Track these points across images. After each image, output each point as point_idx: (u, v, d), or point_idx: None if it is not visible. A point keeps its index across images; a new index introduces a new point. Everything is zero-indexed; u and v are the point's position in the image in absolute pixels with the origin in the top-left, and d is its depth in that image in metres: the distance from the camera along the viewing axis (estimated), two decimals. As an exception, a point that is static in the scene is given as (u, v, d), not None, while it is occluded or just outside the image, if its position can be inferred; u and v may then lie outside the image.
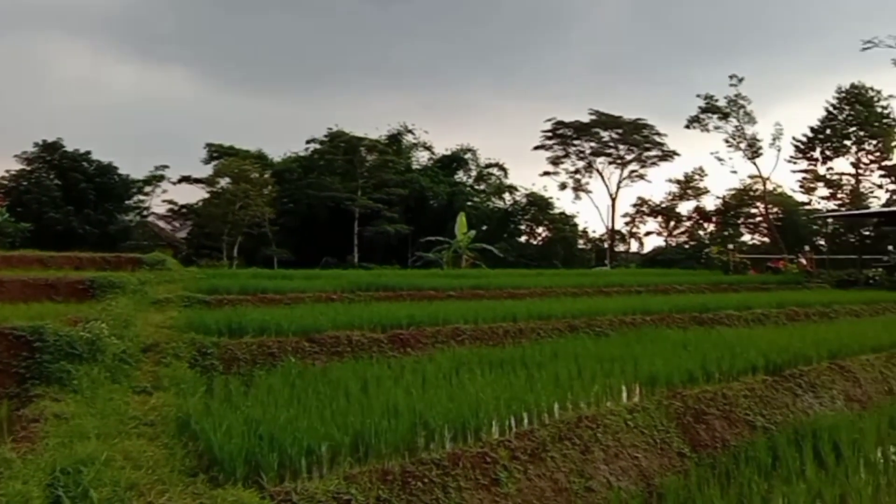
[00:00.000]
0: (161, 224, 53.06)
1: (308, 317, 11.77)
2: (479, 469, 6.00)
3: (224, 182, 45.62)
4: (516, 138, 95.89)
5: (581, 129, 61.51)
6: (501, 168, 62.09)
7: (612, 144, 62.34)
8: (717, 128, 52.12)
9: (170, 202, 52.26)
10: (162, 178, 51.73)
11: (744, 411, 8.46)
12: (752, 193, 56.71)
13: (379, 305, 14.35)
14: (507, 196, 62.19)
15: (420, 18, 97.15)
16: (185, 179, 51.05)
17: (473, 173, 62.44)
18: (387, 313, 12.54)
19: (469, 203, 55.18)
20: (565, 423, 7.13)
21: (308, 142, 54.89)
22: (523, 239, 61.62)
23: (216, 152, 50.46)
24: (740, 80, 50.62)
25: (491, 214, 58.66)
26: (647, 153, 62.46)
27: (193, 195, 61.13)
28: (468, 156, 61.71)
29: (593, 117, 60.90)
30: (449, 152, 61.37)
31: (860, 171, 55.45)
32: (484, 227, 52.99)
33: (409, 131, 60.03)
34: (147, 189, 51.63)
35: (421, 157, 61.33)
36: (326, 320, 11.55)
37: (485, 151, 68.21)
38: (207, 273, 20.72)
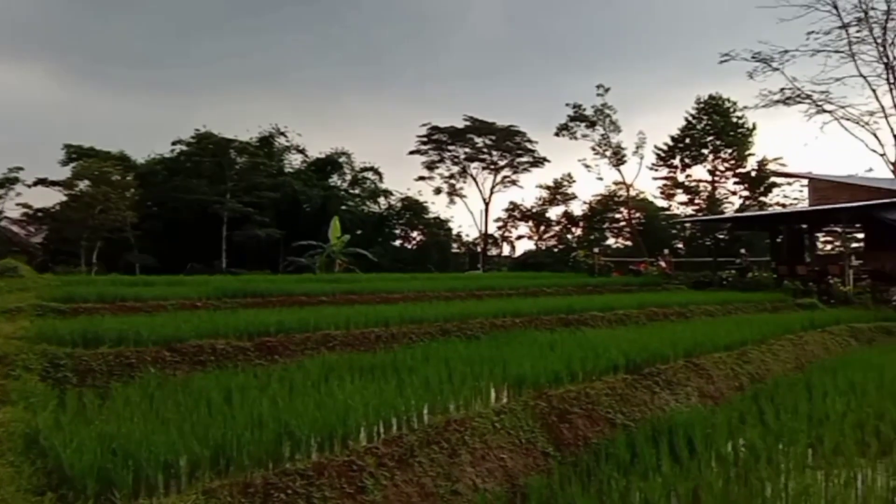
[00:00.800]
0: (14, 229, 49.86)
1: (170, 325, 11.34)
2: (346, 477, 5.93)
3: (83, 185, 43.48)
4: (392, 143, 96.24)
5: (456, 135, 62.29)
6: (376, 172, 62.10)
7: (485, 150, 63.43)
8: (584, 136, 54.06)
9: (24, 206, 49.33)
10: (16, 180, 48.60)
11: (605, 409, 8.74)
12: (616, 199, 59.00)
13: (246, 312, 14.01)
14: (382, 200, 62.25)
15: (294, 19, 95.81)
16: (42, 182, 48.24)
17: (348, 177, 62.10)
18: (254, 320, 12.24)
19: (343, 207, 54.80)
20: (434, 427, 7.15)
21: (174, 143, 53.09)
22: (398, 243, 61.80)
23: (75, 154, 47.98)
24: (607, 90, 52.64)
25: (366, 219, 58.47)
26: (519, 159, 63.93)
27: (50, 199, 57.99)
28: (343, 159, 61.35)
29: (468, 123, 61.77)
30: (323, 155, 60.82)
31: (716, 179, 58.68)
32: (358, 232, 52.77)
33: (282, 134, 59.17)
34: (-1, 192, 48.57)
35: (294, 160, 60.55)
36: (189, 329, 11.16)
37: (360, 155, 68.24)
38: (63, 280, 19.70)
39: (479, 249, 63.19)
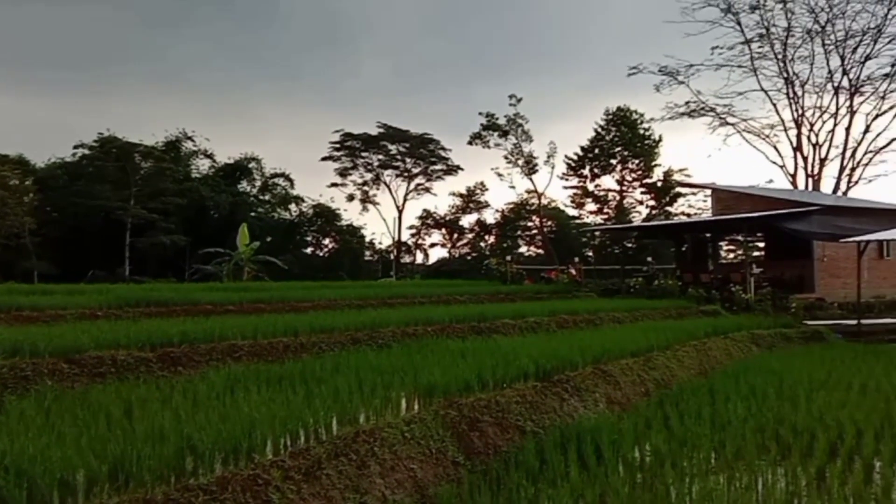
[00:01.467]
0: None
1: (68, 336, 10.84)
2: (250, 492, 5.74)
3: (-23, 189, 41.54)
4: (304, 149, 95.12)
5: (369, 142, 62.03)
6: (287, 178, 61.28)
7: (399, 158, 63.37)
8: (497, 145, 54.56)
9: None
10: None
11: (515, 417, 8.75)
12: (528, 208, 59.73)
13: (149, 322, 13.54)
14: (293, 207, 61.40)
15: (205, 21, 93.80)
16: (-67, 187, 45.86)
17: (258, 183, 61.09)
18: (157, 330, 11.82)
19: (253, 214, 53.86)
20: (342, 438, 7.01)
21: (76, 147, 51.13)
22: (309, 251, 61.04)
23: (-32, 157, 45.80)
24: (519, 100, 53.35)
25: (276, 226, 57.58)
26: (433, 167, 64.12)
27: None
28: (252, 165, 60.32)
29: (381, 130, 61.60)
30: (232, 161, 59.64)
31: (624, 188, 60.20)
32: (268, 239, 51.93)
33: (189, 138, 57.74)
34: None
35: (202, 166, 59.19)
36: (88, 339, 10.68)
37: (271, 161, 67.08)
38: (-47, 289, 18.65)
39: (392, 257, 63.03)
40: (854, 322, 22.91)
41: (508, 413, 8.77)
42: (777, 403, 10.15)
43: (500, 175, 56.59)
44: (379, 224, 72.20)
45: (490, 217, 63.99)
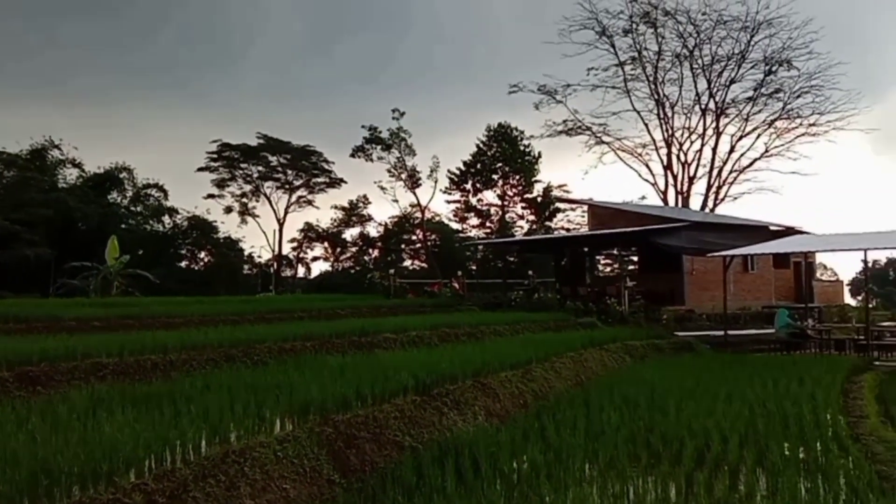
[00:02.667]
0: None
1: (-86, 356, 10.03)
2: (108, 519, 5.40)
3: None
4: (180, 159, 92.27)
5: (248, 153, 60.73)
6: (161, 189, 59.20)
7: (280, 169, 62.33)
8: (380, 158, 54.52)
9: None
10: None
11: (394, 433, 8.64)
12: (412, 221, 59.87)
13: (7, 339, 12.67)
14: (166, 219, 59.25)
15: (74, 24, 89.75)
16: None
17: (130, 194, 58.74)
18: (15, 348, 11.06)
19: (123, 226, 51.77)
20: (211, 459, 6.72)
21: (-68, 156, 47.94)
22: (184, 264, 59.04)
23: None
24: (402, 114, 53.54)
25: (148, 238, 55.42)
26: (315, 179, 63.39)
27: None
28: (124, 175, 57.95)
29: (262, 141, 60.46)
30: (102, 171, 57.12)
31: (506, 203, 61.27)
32: (140, 252, 49.95)
33: (56, 146, 54.97)
34: None
35: (69, 175, 56.41)
36: (-66, 359, 9.91)
37: (144, 171, 64.48)
38: None
39: (272, 271, 61.77)
40: (721, 333, 23.92)
41: (386, 429, 8.64)
42: (648, 412, 10.42)
43: (382, 188, 56.60)
44: (258, 237, 70.83)
45: (373, 230, 63.81)
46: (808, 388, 12.42)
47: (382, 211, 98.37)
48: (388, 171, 55.87)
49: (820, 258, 45.49)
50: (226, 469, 6.63)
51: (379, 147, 54.85)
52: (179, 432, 7.12)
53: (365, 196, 63.89)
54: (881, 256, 72.30)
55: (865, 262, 25.08)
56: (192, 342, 13.27)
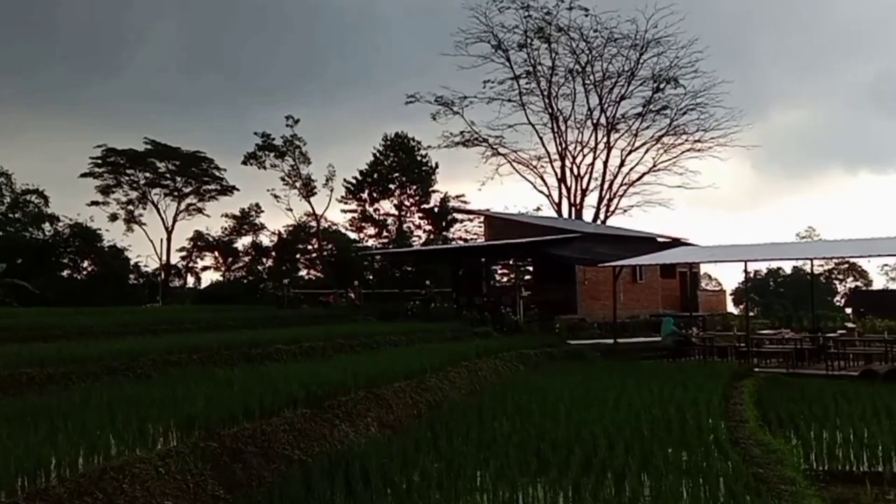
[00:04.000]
0: None
1: None
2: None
3: None
4: (63, 165, 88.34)
5: (135, 159, 58.54)
6: (42, 195, 56.48)
7: (169, 176, 60.45)
8: (274, 166, 53.55)
9: None
10: None
11: (282, 446, 8.45)
12: (307, 230, 59.03)
13: None
14: (47, 226, 56.45)
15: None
16: None
17: (7, 200, 55.81)
18: None
19: (1, 233, 49.09)
20: (87, 476, 6.40)
21: None
22: (66, 274, 56.39)
23: None
24: (296, 122, 52.77)
25: (27, 246, 52.68)
26: (205, 186, 61.75)
27: None
28: (1, 180, 55.06)
29: (149, 146, 58.43)
30: (-24, 176, 54.16)
31: (403, 213, 61.22)
32: (18, 261, 47.54)
33: (-74, 151, 51.85)
34: None
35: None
36: None
37: (22, 176, 61.06)
38: None
39: (159, 281, 59.72)
40: (611, 341, 24.53)
41: (275, 442, 8.45)
42: (540, 420, 10.53)
43: (276, 197, 55.57)
44: (145, 246, 68.22)
45: (266, 240, 62.55)
46: (692, 394, 12.81)
47: (276, 220, 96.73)
48: (282, 179, 55.03)
49: (705, 269, 47.45)
50: (103, 486, 6.34)
51: (272, 154, 53.95)
52: (55, 449, 6.78)
53: (257, 204, 62.58)
54: (762, 267, 75.87)
55: (746, 272, 26.14)
56: (71, 355, 12.68)
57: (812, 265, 45.57)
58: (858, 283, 76.49)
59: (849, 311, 56.28)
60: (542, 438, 9.20)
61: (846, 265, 75.75)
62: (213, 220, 63.98)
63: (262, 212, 62.76)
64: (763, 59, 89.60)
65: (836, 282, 79.03)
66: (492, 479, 7.49)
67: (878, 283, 73.62)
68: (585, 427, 9.85)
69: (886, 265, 68.04)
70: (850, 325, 30.25)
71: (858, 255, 42.83)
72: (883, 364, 19.15)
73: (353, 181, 60.37)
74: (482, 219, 44.19)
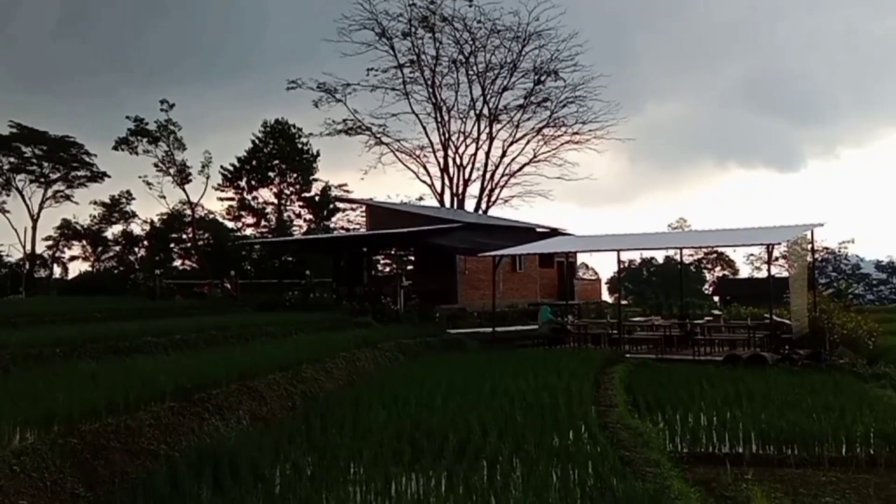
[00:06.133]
0: None
1: None
2: None
3: None
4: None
5: (-2, 143, 55.25)
6: None
7: (35, 161, 57.28)
8: (147, 151, 51.47)
9: None
10: None
11: (148, 441, 8.18)
12: (183, 219, 57.13)
13: None
14: None
15: None
16: None
17: None
18: None
19: None
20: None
21: None
22: (-81, 264, 52.77)
23: None
24: (171, 106, 50.82)
25: None
26: (74, 173, 58.88)
27: None
28: None
29: (14, 130, 55.16)
30: None
31: (283, 202, 60.08)
32: None
33: None
34: None
35: None
36: None
37: None
38: None
39: (23, 271, 56.53)
40: (490, 330, 24.87)
41: (140, 437, 8.17)
42: (416, 409, 10.58)
43: (148, 184, 53.38)
44: (9, 235, 64.43)
45: (138, 228, 60.15)
46: (565, 381, 13.14)
47: (149, 208, 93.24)
48: (156, 165, 52.91)
49: (582, 258, 48.73)
50: (-52, 489, 5.95)
51: (145, 140, 51.79)
52: None
53: (129, 192, 60.03)
54: (636, 257, 78.62)
55: (619, 262, 27.11)
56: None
57: (681, 255, 47.66)
58: (726, 272, 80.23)
59: (716, 298, 59.12)
60: (418, 427, 9.24)
61: (714, 255, 79.40)
62: (82, 207, 61.17)
63: (134, 199, 60.38)
64: (640, 55, 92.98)
65: (706, 271, 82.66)
66: (365, 470, 7.46)
67: (744, 271, 77.41)
68: (461, 415, 9.96)
69: (752, 254, 71.48)
70: (716, 312, 31.68)
71: (725, 245, 45.28)
72: (745, 350, 20.13)
73: (231, 168, 58.80)
74: (364, 208, 43.86)
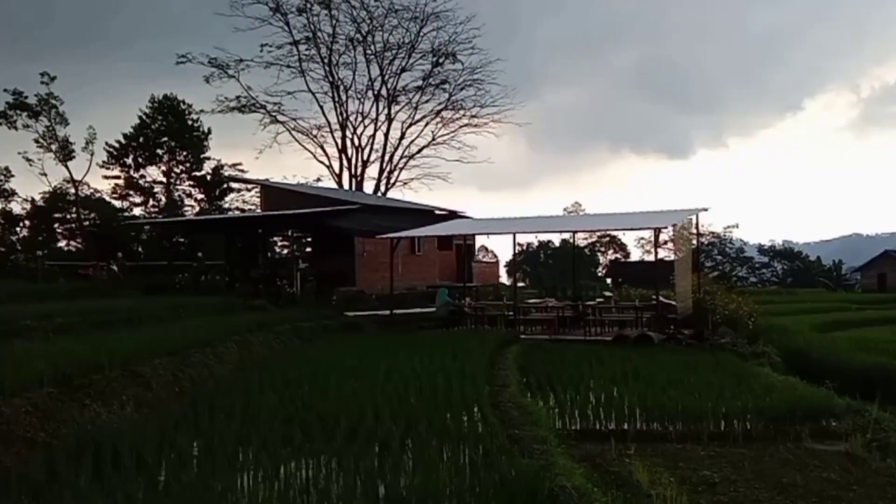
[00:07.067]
0: None
1: None
2: None
3: None
4: None
5: None
6: None
7: None
8: (26, 126, 48.94)
9: None
10: None
11: (24, 428, 7.83)
12: (67, 198, 54.64)
13: None
14: None
15: None
16: None
17: None
18: None
19: None
20: None
21: None
22: None
23: None
24: (52, 79, 48.48)
25: None
26: (-55, 148, 55.55)
27: None
28: None
29: None
30: None
31: (172, 181, 58.12)
32: None
33: None
34: None
35: None
36: None
37: None
38: None
39: None
40: (388, 312, 24.81)
41: (15, 424, 7.81)
42: (309, 393, 10.45)
43: (28, 160, 50.73)
44: None
45: (18, 207, 57.10)
46: (460, 362, 13.22)
47: (31, 186, 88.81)
48: (36, 141, 50.34)
49: (481, 241, 49.17)
50: None
51: (25, 114, 49.18)
52: None
53: (7, 168, 56.94)
54: (534, 240, 79.77)
55: (515, 244, 27.51)
56: None
57: (574, 238, 48.67)
58: (618, 255, 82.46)
59: (609, 281, 60.77)
60: (309, 411, 9.13)
61: (608, 238, 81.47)
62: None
63: (13, 176, 57.27)
64: (536, 41, 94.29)
65: (599, 254, 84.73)
66: (254, 455, 7.32)
67: (635, 255, 79.73)
68: (354, 398, 9.90)
69: (642, 238, 73.77)
70: (607, 293, 32.58)
71: (616, 229, 46.46)
72: (634, 330, 20.76)
73: (117, 145, 56.43)
74: (259, 189, 42.93)
